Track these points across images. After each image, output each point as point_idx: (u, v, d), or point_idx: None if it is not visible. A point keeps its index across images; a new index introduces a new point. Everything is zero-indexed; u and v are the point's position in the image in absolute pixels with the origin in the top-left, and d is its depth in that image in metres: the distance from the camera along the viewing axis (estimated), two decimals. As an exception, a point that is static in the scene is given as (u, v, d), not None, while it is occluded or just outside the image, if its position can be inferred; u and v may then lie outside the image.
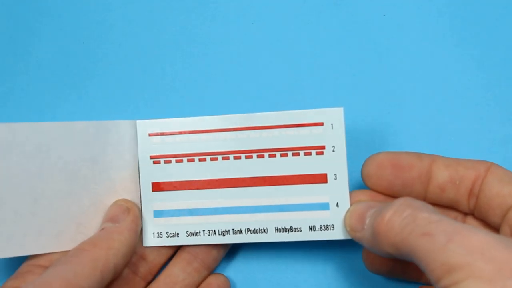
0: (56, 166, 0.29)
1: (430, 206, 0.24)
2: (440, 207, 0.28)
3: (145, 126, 0.31)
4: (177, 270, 0.30)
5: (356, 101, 0.34)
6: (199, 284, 0.31)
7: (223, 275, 0.31)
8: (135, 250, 0.30)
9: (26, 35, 0.36)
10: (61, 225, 0.30)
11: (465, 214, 0.28)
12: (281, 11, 0.36)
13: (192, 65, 0.35)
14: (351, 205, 0.29)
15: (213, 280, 0.31)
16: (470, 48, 0.35)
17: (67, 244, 0.29)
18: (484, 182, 0.27)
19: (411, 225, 0.23)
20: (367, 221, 0.26)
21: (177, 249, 0.31)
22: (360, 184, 0.30)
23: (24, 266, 0.29)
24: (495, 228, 0.27)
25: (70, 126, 0.30)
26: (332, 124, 0.30)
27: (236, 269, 0.32)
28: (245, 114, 0.30)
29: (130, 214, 0.29)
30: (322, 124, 0.30)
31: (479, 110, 0.34)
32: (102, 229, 0.29)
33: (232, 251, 0.32)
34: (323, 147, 0.30)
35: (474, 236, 0.21)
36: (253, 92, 0.34)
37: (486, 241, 0.21)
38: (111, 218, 0.29)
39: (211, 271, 0.31)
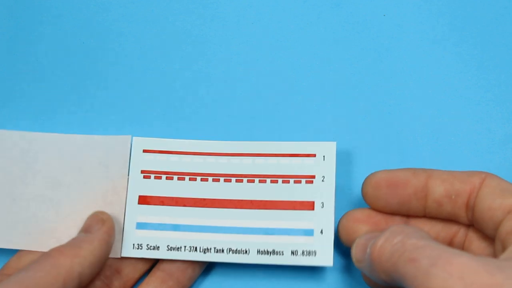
0: (40, 172, 0.31)
1: (421, 232, 0.24)
2: (441, 220, 0.28)
3: (141, 142, 0.31)
4: None
5: (356, 101, 0.34)
6: None
7: None
8: (107, 262, 0.30)
9: (26, 35, 0.36)
10: (34, 227, 0.30)
11: (467, 226, 0.28)
12: (281, 11, 0.36)
13: (192, 65, 0.35)
14: (338, 228, 0.29)
15: None
16: (470, 48, 0.35)
17: (37, 245, 0.30)
18: (478, 195, 0.26)
19: (399, 251, 0.23)
20: (368, 251, 0.26)
21: (152, 265, 0.31)
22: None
23: None
24: (492, 240, 0.27)
25: (58, 138, 0.32)
26: (324, 156, 0.30)
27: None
28: (240, 142, 0.31)
29: (104, 225, 0.29)
30: (314, 155, 0.30)
31: (479, 110, 0.34)
32: (74, 238, 0.29)
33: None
34: (313, 177, 0.30)
35: (456, 260, 0.21)
36: (252, 91, 0.34)
37: (467, 265, 0.21)
38: (86, 228, 0.29)
39: None
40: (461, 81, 0.34)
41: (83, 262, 0.27)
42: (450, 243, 0.28)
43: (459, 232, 0.28)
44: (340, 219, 0.29)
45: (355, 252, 0.28)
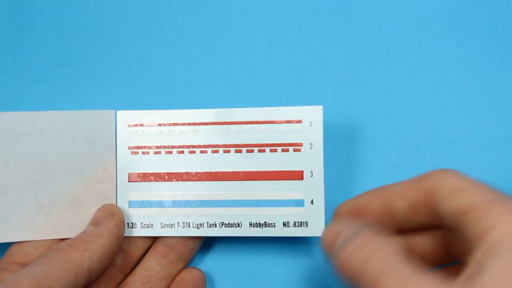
0: (24, 155, 0.30)
1: (390, 245, 0.24)
2: (421, 228, 0.27)
3: (125, 116, 0.31)
4: (153, 263, 0.30)
5: (356, 101, 0.34)
6: (176, 275, 0.31)
7: (198, 269, 0.31)
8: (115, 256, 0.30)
9: (26, 35, 0.36)
10: (28, 214, 0.30)
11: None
12: (281, 11, 0.36)
13: (192, 65, 0.35)
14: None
15: (187, 275, 0.31)
16: (470, 48, 0.35)
17: (34, 233, 0.30)
18: (436, 201, 0.25)
19: (367, 267, 0.23)
20: (338, 243, 0.26)
21: (153, 241, 0.31)
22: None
23: (0, 264, 0.29)
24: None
25: (37, 116, 0.30)
26: (310, 122, 0.30)
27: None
28: (225, 109, 0.30)
29: (113, 219, 0.29)
30: (301, 121, 0.30)
31: (479, 110, 0.34)
32: (84, 231, 0.29)
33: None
34: (301, 144, 0.30)
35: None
36: (253, 91, 0.35)
37: None
38: (95, 221, 0.29)
39: (187, 262, 0.31)
40: (461, 81, 0.34)
41: (93, 257, 0.27)
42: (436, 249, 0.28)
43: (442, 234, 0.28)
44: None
45: (325, 240, 0.27)
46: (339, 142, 0.33)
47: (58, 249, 0.27)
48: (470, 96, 0.34)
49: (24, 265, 0.28)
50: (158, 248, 0.31)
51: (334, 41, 0.35)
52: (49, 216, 0.30)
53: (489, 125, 0.33)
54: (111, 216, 0.29)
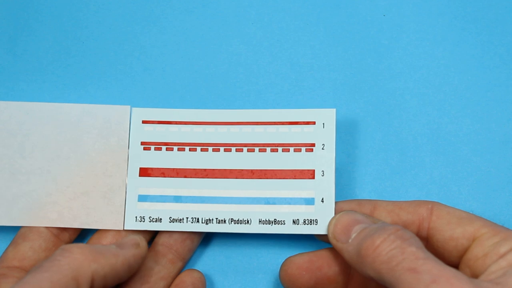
0: (38, 144, 0.31)
1: (418, 241, 0.25)
2: None
3: (140, 113, 0.31)
4: (152, 263, 0.30)
5: (356, 101, 0.34)
6: (175, 275, 0.31)
7: (197, 270, 0.31)
8: (106, 240, 0.30)
9: (26, 35, 0.36)
10: (35, 201, 0.30)
11: None
12: (281, 11, 0.36)
13: (192, 65, 0.35)
14: (336, 211, 0.29)
15: (186, 277, 0.30)
16: (470, 48, 0.35)
17: (39, 220, 0.30)
18: (432, 227, 0.27)
19: (398, 257, 0.23)
20: (353, 235, 0.27)
21: (151, 239, 0.31)
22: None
23: None
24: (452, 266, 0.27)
25: (54, 107, 0.31)
26: (323, 124, 0.30)
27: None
28: (239, 110, 0.31)
29: (137, 249, 0.28)
30: (314, 123, 0.30)
31: (479, 110, 0.34)
32: (104, 245, 0.28)
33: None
34: (313, 145, 0.30)
35: (457, 282, 0.22)
36: (253, 91, 0.34)
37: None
38: (119, 244, 0.28)
39: (186, 262, 0.31)
40: (461, 81, 0.34)
41: (99, 271, 0.26)
42: None
43: None
44: (282, 266, 0.29)
45: (335, 231, 0.28)
46: (339, 142, 0.33)
47: (66, 250, 0.26)
48: (470, 96, 0.34)
49: (22, 269, 0.28)
50: (156, 248, 0.30)
51: (334, 41, 0.35)
52: (55, 204, 0.30)
53: (489, 125, 0.33)
54: (136, 246, 0.28)
